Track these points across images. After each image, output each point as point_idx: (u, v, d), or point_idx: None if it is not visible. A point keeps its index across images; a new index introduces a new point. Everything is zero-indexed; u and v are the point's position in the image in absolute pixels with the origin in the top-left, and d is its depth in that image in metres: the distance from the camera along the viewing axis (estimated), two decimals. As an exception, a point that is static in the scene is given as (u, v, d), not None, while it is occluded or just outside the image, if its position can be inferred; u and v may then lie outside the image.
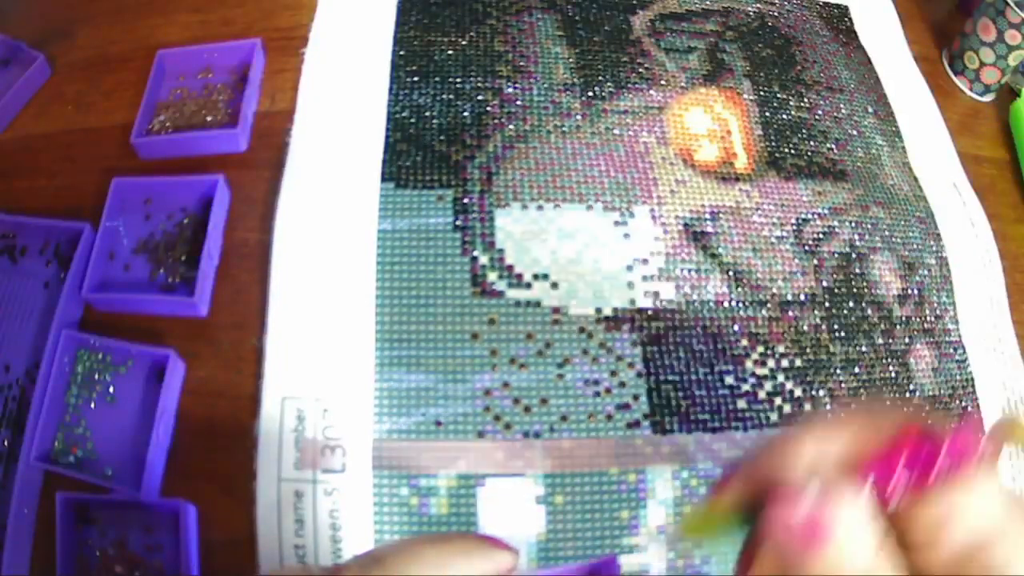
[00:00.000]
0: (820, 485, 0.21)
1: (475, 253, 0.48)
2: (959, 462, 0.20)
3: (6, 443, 0.44)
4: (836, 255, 0.53)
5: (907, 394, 0.50)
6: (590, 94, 0.56)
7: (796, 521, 0.20)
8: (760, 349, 0.48)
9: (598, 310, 0.48)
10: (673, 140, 0.55)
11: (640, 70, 0.58)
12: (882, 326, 0.51)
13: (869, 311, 0.51)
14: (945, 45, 0.68)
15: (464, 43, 0.57)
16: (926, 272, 0.54)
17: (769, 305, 0.50)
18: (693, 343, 0.48)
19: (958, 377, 0.51)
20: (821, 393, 0.48)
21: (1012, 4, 0.59)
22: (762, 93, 0.59)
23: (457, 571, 0.26)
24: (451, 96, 0.54)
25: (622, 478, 0.44)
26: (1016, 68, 0.64)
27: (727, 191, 0.53)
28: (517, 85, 0.55)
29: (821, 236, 0.53)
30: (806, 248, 0.52)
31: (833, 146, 0.58)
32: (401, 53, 0.56)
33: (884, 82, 0.63)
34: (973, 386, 0.51)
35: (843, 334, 0.50)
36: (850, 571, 0.20)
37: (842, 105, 0.60)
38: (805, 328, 0.50)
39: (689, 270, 0.50)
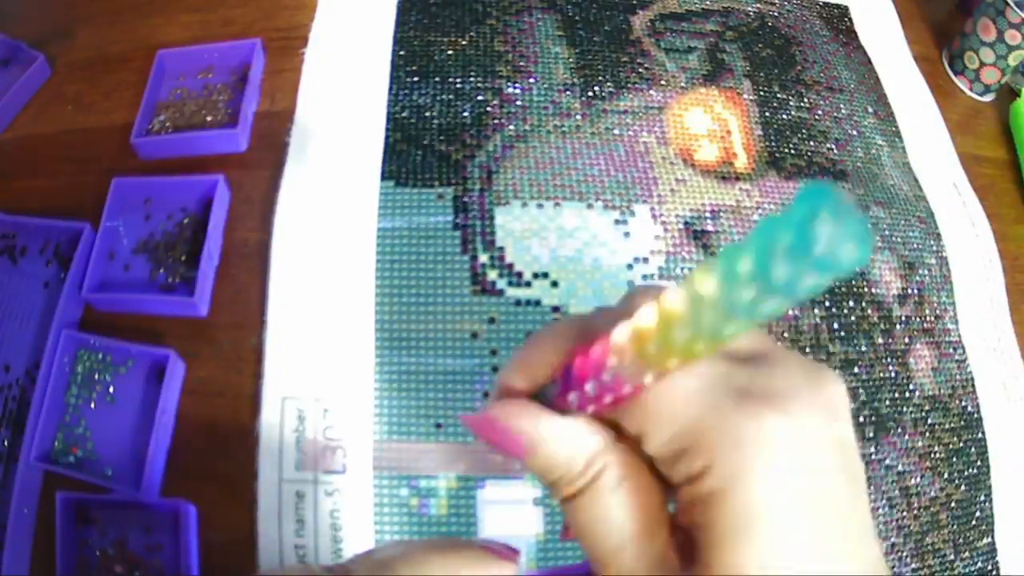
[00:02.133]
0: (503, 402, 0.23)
1: (475, 251, 0.48)
2: (605, 386, 0.20)
3: (6, 443, 0.44)
4: (836, 255, 0.53)
5: (907, 394, 0.50)
6: (590, 94, 0.56)
7: (497, 432, 0.22)
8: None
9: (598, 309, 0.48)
10: (673, 140, 0.55)
11: (640, 70, 0.58)
12: (882, 326, 0.51)
13: (869, 311, 0.51)
14: (945, 45, 0.68)
15: (464, 43, 0.57)
16: (926, 272, 0.54)
17: (769, 305, 0.50)
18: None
19: (958, 377, 0.51)
20: (821, 393, 0.48)
21: (1012, 4, 0.59)
22: (762, 93, 0.59)
23: (462, 574, 0.26)
24: (451, 96, 0.54)
25: (622, 478, 0.44)
26: (1016, 68, 0.64)
27: (727, 190, 0.53)
28: (517, 85, 0.55)
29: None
30: (806, 248, 0.52)
31: (833, 146, 0.58)
32: (401, 53, 0.56)
33: (884, 82, 0.63)
34: (973, 386, 0.51)
35: (843, 334, 0.50)
36: (561, 473, 0.22)
37: (842, 105, 0.60)
38: (805, 328, 0.50)
39: (689, 269, 0.50)
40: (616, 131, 0.54)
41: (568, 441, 0.22)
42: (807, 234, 0.12)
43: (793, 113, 0.59)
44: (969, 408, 0.51)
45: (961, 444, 0.49)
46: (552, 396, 0.22)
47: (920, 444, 0.49)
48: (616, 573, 0.21)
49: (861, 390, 0.49)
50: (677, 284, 0.16)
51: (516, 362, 0.24)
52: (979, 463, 0.49)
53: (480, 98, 0.54)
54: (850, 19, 0.67)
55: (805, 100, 0.60)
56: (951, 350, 0.52)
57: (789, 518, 0.19)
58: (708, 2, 0.64)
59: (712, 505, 0.19)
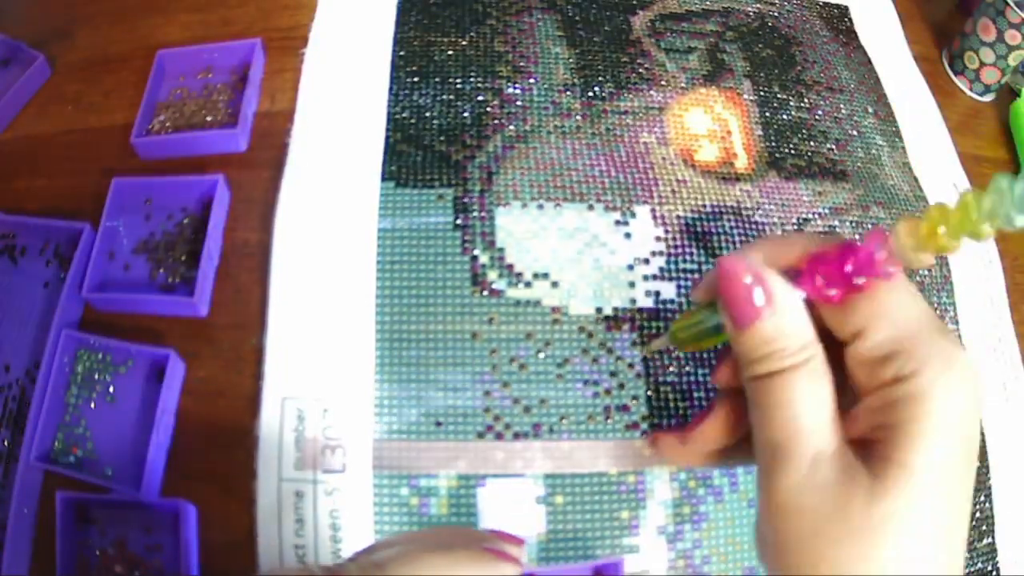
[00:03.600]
0: (763, 261, 0.25)
1: (475, 252, 0.48)
2: (868, 265, 0.24)
3: (6, 443, 0.44)
4: (836, 255, 0.53)
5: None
6: (590, 94, 0.56)
7: (746, 284, 0.24)
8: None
9: (598, 309, 0.48)
10: (673, 140, 0.55)
11: (640, 70, 0.58)
12: (882, 326, 0.51)
13: (869, 311, 0.51)
14: (945, 45, 0.68)
15: (464, 43, 0.57)
16: (926, 272, 0.54)
17: (769, 305, 0.50)
18: (693, 343, 0.48)
19: (958, 377, 0.51)
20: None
21: (1012, 4, 0.59)
22: (762, 93, 0.59)
23: None
24: (451, 96, 0.54)
25: (621, 479, 0.44)
26: (1016, 68, 0.64)
27: (728, 191, 0.53)
28: (517, 85, 0.55)
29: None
30: (806, 248, 0.52)
31: (833, 146, 0.58)
32: (401, 53, 0.56)
33: (884, 82, 0.63)
34: (973, 386, 0.51)
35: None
36: (784, 344, 0.24)
37: (842, 105, 0.60)
38: (805, 328, 0.50)
39: (690, 270, 0.50)
40: (616, 131, 0.54)
41: (800, 317, 0.24)
42: None
43: (793, 113, 0.59)
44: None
45: (961, 444, 0.49)
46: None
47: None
48: (801, 456, 0.23)
49: (861, 390, 0.49)
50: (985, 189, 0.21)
51: (771, 243, 0.27)
52: (979, 463, 0.49)
53: (480, 98, 0.54)
54: (850, 19, 0.67)
55: (805, 100, 0.60)
56: (951, 350, 0.52)
57: (965, 437, 0.22)
58: (708, 2, 0.64)
59: (914, 404, 0.22)
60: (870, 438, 0.23)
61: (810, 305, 0.25)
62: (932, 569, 0.22)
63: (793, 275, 0.25)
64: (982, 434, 0.50)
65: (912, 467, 0.22)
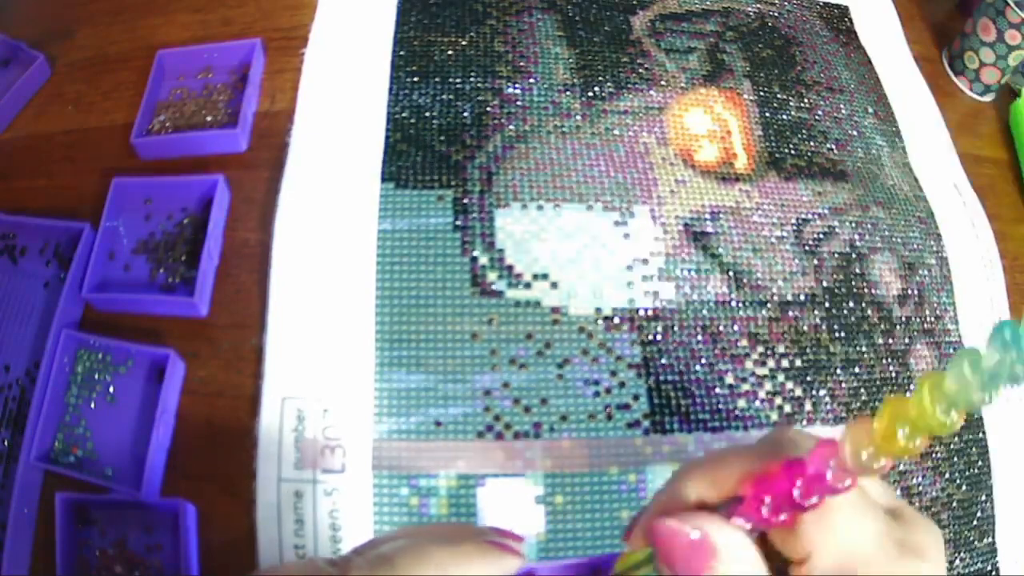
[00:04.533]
0: (700, 515, 0.23)
1: (475, 253, 0.48)
2: (818, 484, 0.21)
3: (6, 443, 0.44)
4: (836, 255, 0.53)
5: (907, 393, 0.50)
6: (590, 94, 0.56)
7: (684, 541, 0.22)
8: (760, 349, 0.48)
9: (598, 310, 0.48)
10: (673, 140, 0.55)
11: (640, 70, 0.58)
12: (882, 326, 0.51)
13: (869, 311, 0.51)
14: (945, 45, 0.68)
15: (464, 43, 0.57)
16: (926, 272, 0.54)
17: (769, 305, 0.50)
18: (693, 343, 0.48)
19: (958, 377, 0.51)
20: (821, 393, 0.48)
21: (1012, 4, 0.59)
22: (762, 93, 0.59)
23: (466, 572, 0.26)
24: (451, 96, 0.54)
25: (622, 478, 0.44)
26: (1016, 68, 0.64)
27: (727, 191, 0.53)
28: (517, 85, 0.55)
29: (821, 236, 0.53)
30: (806, 248, 0.52)
31: (833, 146, 0.58)
32: (401, 53, 0.56)
33: (884, 82, 0.63)
34: (973, 386, 0.51)
35: (843, 334, 0.50)
36: None
37: (842, 105, 0.60)
38: (805, 328, 0.50)
39: (689, 270, 0.50)
40: (616, 132, 0.54)
41: (752, 560, 0.22)
42: None
43: (793, 113, 0.59)
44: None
45: (962, 444, 0.49)
46: (726, 512, 0.23)
47: (920, 444, 0.49)
48: None
49: (862, 390, 0.49)
50: (943, 369, 0.18)
51: (703, 472, 0.24)
52: (980, 463, 0.49)
53: (480, 98, 0.54)
54: (850, 19, 0.67)
55: (805, 100, 0.60)
56: (951, 350, 0.52)
57: None
58: (708, 2, 0.64)
59: None
60: None
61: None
62: None
63: (735, 502, 0.23)
64: (983, 434, 0.50)
65: None
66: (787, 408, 0.47)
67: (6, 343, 0.47)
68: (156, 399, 0.43)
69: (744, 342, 0.49)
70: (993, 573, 0.48)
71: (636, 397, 0.46)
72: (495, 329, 0.46)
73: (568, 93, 0.56)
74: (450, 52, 0.56)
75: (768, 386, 0.48)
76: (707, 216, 0.52)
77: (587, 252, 0.49)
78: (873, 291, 0.52)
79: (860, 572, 0.22)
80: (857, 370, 0.49)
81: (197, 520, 0.42)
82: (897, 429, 0.19)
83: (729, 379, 0.47)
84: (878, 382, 0.50)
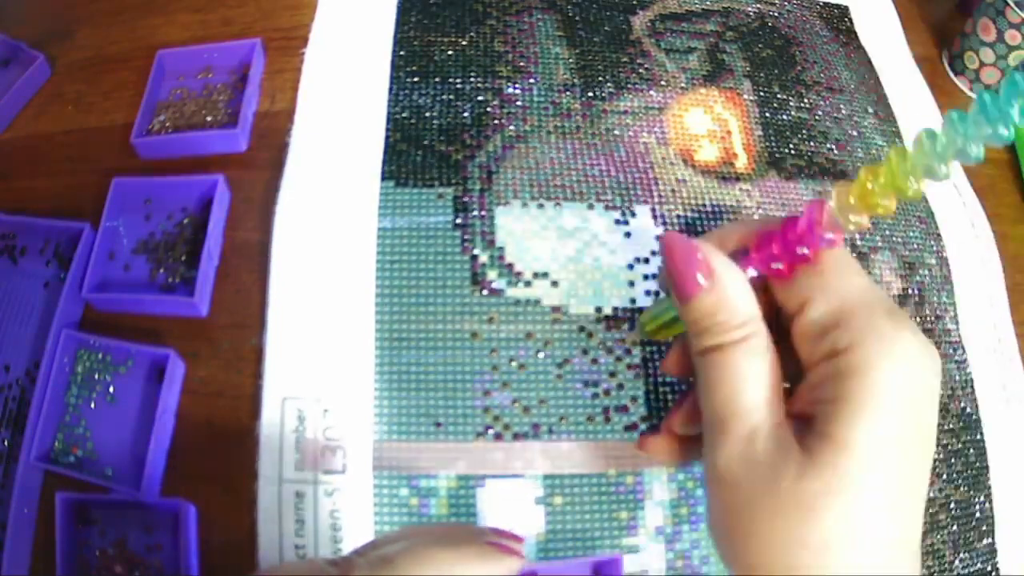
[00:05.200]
0: (710, 244, 0.26)
1: (475, 251, 0.48)
2: (808, 235, 0.24)
3: (6, 443, 0.44)
4: (836, 255, 0.53)
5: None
6: (590, 94, 0.56)
7: (685, 257, 0.25)
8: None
9: (598, 309, 0.48)
10: (673, 140, 0.55)
11: (640, 70, 0.58)
12: (882, 326, 0.51)
13: (869, 311, 0.51)
14: (945, 45, 0.68)
15: (464, 43, 0.57)
16: (926, 272, 0.54)
17: (769, 305, 0.50)
18: (693, 343, 0.48)
19: (958, 378, 0.51)
20: (821, 393, 0.48)
21: (1012, 4, 0.59)
22: (762, 93, 0.59)
23: (466, 573, 0.26)
24: (451, 96, 0.54)
25: (620, 480, 0.44)
26: (1016, 68, 0.64)
27: (728, 191, 0.53)
28: (517, 85, 0.55)
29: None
30: (806, 248, 0.52)
31: (833, 146, 0.58)
32: (401, 53, 0.56)
33: (884, 82, 0.63)
34: (973, 386, 0.51)
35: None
36: (725, 318, 0.24)
37: (842, 105, 0.60)
38: (805, 328, 0.50)
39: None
40: (616, 131, 0.54)
41: (741, 291, 0.24)
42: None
43: (793, 113, 0.59)
44: (968, 409, 0.51)
45: (960, 445, 0.49)
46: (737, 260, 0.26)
47: (920, 444, 0.49)
48: (739, 430, 0.23)
49: (861, 390, 0.49)
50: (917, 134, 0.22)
51: (713, 233, 0.27)
52: (978, 464, 0.49)
53: (480, 98, 0.54)
54: (850, 19, 0.67)
55: (805, 100, 0.60)
56: (951, 351, 0.52)
57: (900, 416, 0.22)
58: (708, 2, 0.64)
59: (848, 378, 0.22)
60: (809, 414, 0.23)
61: (766, 291, 0.26)
62: (875, 550, 0.21)
63: (742, 254, 0.26)
64: (981, 435, 0.50)
65: (842, 442, 0.21)
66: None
67: (6, 343, 0.47)
68: (156, 399, 0.43)
69: (744, 342, 0.48)
70: (993, 573, 0.48)
71: (634, 400, 0.46)
72: (495, 328, 0.46)
73: (568, 93, 0.56)
74: (450, 52, 0.56)
75: (768, 386, 0.48)
76: (708, 215, 0.52)
77: (587, 251, 0.49)
78: (873, 291, 0.52)
79: (846, 320, 0.23)
80: (857, 370, 0.49)
81: (197, 520, 0.42)
82: (869, 186, 0.23)
83: (729, 379, 0.47)
84: (878, 382, 0.50)
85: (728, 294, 0.24)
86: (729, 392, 0.23)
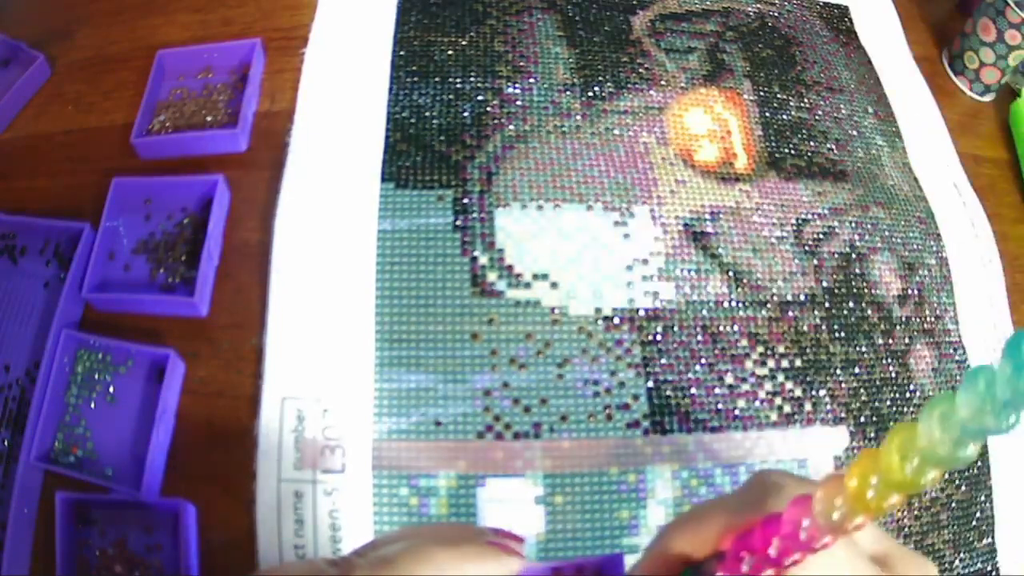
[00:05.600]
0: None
1: (475, 253, 0.48)
2: (793, 543, 0.20)
3: (6, 443, 0.44)
4: (836, 255, 0.53)
5: (907, 394, 0.50)
6: (590, 94, 0.56)
7: None
8: (760, 349, 0.48)
9: (598, 310, 0.48)
10: (673, 140, 0.55)
11: (640, 70, 0.58)
12: (882, 326, 0.51)
13: (869, 311, 0.51)
14: (945, 45, 0.68)
15: (464, 43, 0.57)
16: (926, 272, 0.54)
17: (769, 305, 0.50)
18: (693, 343, 0.48)
19: (958, 377, 0.51)
20: (821, 393, 0.48)
21: (1012, 4, 0.59)
22: (762, 93, 0.59)
23: (467, 573, 0.26)
24: (451, 96, 0.54)
25: (622, 478, 0.44)
26: (1016, 68, 0.64)
27: (727, 191, 0.53)
28: (517, 85, 0.55)
29: (821, 236, 0.53)
30: (806, 248, 0.52)
31: (833, 146, 0.58)
32: (401, 53, 0.56)
33: (884, 82, 0.63)
34: (973, 386, 0.51)
35: (843, 334, 0.50)
36: None
37: (842, 105, 0.60)
38: (805, 328, 0.50)
39: (689, 270, 0.50)
40: (616, 131, 0.54)
41: None
42: None
43: (793, 113, 0.59)
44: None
45: (961, 444, 0.49)
46: (709, 570, 0.23)
47: (920, 444, 0.49)
48: None
49: (862, 391, 0.49)
50: (918, 419, 0.17)
51: (686, 529, 0.24)
52: (979, 464, 0.49)
53: (480, 98, 0.54)
54: (850, 19, 0.67)
55: (805, 100, 0.60)
56: (951, 351, 0.52)
57: None
58: (708, 2, 0.64)
59: None
60: None
61: None
62: None
63: (719, 557, 0.23)
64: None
65: None
66: (787, 408, 0.47)
67: (6, 343, 0.47)
68: (156, 399, 0.43)
69: (744, 342, 0.49)
70: (993, 573, 0.48)
71: (636, 397, 0.46)
72: (495, 329, 0.46)
73: (568, 93, 0.56)
74: (450, 52, 0.57)
75: (768, 386, 0.48)
76: (707, 216, 0.52)
77: (587, 252, 0.49)
78: (873, 291, 0.52)
79: None
80: (857, 370, 0.49)
81: (197, 520, 0.42)
82: (868, 486, 0.18)
83: (729, 379, 0.47)
84: (878, 382, 0.50)
85: None
86: None
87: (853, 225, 0.54)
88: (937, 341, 0.52)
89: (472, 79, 0.55)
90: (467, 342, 0.46)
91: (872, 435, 0.48)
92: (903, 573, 0.22)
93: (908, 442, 0.17)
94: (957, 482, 0.49)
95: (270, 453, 0.43)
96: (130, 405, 0.45)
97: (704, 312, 0.49)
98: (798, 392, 0.48)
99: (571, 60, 0.57)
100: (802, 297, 0.51)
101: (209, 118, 0.54)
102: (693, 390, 0.47)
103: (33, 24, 0.59)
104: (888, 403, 0.49)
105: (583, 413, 0.45)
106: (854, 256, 0.53)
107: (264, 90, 0.55)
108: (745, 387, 0.47)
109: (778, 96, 0.59)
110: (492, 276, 0.48)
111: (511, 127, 0.53)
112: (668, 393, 0.46)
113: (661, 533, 0.25)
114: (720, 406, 0.47)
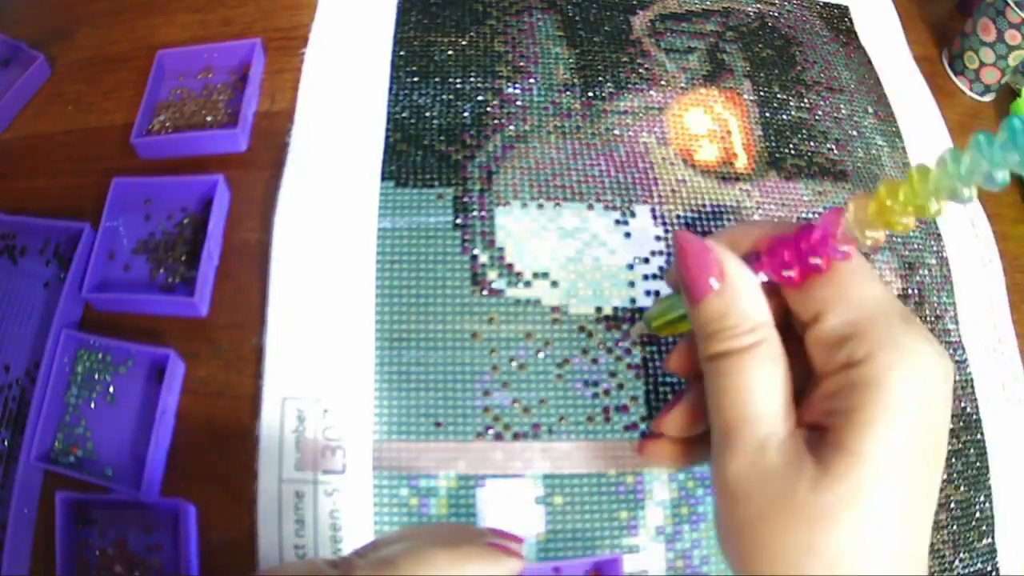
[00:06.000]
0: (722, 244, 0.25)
1: (475, 251, 0.48)
2: (823, 245, 0.23)
3: (6, 443, 0.44)
4: (836, 255, 0.53)
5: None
6: (590, 94, 0.56)
7: (698, 257, 0.24)
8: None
9: (598, 309, 0.48)
10: (673, 140, 0.55)
11: (640, 70, 0.58)
12: (882, 326, 0.51)
13: (869, 311, 0.51)
14: (945, 45, 0.68)
15: (464, 43, 0.57)
16: (926, 272, 0.54)
17: (769, 305, 0.50)
18: (693, 343, 0.48)
19: (958, 378, 0.51)
20: (821, 393, 0.48)
21: (1012, 4, 0.59)
22: (762, 93, 0.59)
23: (467, 574, 0.26)
24: (451, 96, 0.54)
25: (620, 479, 0.44)
26: (1016, 68, 0.64)
27: (727, 191, 0.53)
28: (517, 85, 0.55)
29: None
30: (806, 248, 0.52)
31: (833, 146, 0.58)
32: (401, 53, 0.56)
33: (884, 82, 0.63)
34: (973, 386, 0.51)
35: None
36: (736, 322, 0.24)
37: (842, 105, 0.60)
38: (805, 328, 0.50)
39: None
40: (616, 131, 0.54)
41: (753, 296, 0.24)
42: None
43: (793, 113, 0.59)
44: (968, 409, 0.51)
45: (960, 445, 0.49)
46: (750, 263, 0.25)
47: (920, 444, 0.49)
48: (750, 439, 0.23)
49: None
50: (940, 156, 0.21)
51: (722, 233, 0.26)
52: (978, 464, 0.49)
53: (480, 98, 0.54)
54: (850, 19, 0.67)
55: (805, 100, 0.60)
56: (951, 351, 0.52)
57: (916, 426, 0.21)
58: (708, 2, 0.64)
59: (863, 391, 0.22)
60: (823, 424, 0.23)
61: (777, 293, 0.25)
62: (885, 563, 0.21)
63: (754, 258, 0.25)
64: (981, 435, 0.50)
65: (858, 454, 0.21)
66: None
67: (6, 343, 0.47)
68: (156, 399, 0.43)
69: (744, 342, 0.48)
70: (993, 573, 0.48)
71: (634, 399, 0.46)
72: (495, 328, 0.46)
73: (568, 93, 0.56)
74: (450, 52, 0.56)
75: (768, 386, 0.48)
76: (708, 215, 0.52)
77: (587, 251, 0.49)
78: (873, 291, 0.52)
79: (862, 331, 0.22)
80: (857, 370, 0.49)
81: (197, 520, 0.42)
82: (887, 202, 0.22)
83: (729, 379, 0.47)
84: (878, 382, 0.50)
85: (740, 298, 0.24)
86: (739, 400, 0.23)
87: (853, 225, 0.54)
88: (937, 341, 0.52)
89: (472, 79, 0.55)
90: (467, 341, 0.46)
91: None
92: (923, 326, 0.23)
93: (923, 174, 0.21)
94: (956, 483, 0.49)
95: (271, 453, 0.43)
96: (130, 405, 0.45)
97: (704, 312, 0.49)
98: (798, 392, 0.48)
99: (571, 60, 0.57)
100: (802, 297, 0.51)
101: (209, 118, 0.54)
102: (693, 390, 0.47)
103: (33, 24, 0.59)
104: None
105: (582, 415, 0.45)
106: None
107: (264, 90, 0.55)
108: (745, 387, 0.47)
109: (778, 96, 0.59)
110: (492, 275, 0.48)
111: (511, 127, 0.53)
112: (667, 396, 0.46)
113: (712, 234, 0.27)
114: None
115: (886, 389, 0.21)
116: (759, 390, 0.23)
